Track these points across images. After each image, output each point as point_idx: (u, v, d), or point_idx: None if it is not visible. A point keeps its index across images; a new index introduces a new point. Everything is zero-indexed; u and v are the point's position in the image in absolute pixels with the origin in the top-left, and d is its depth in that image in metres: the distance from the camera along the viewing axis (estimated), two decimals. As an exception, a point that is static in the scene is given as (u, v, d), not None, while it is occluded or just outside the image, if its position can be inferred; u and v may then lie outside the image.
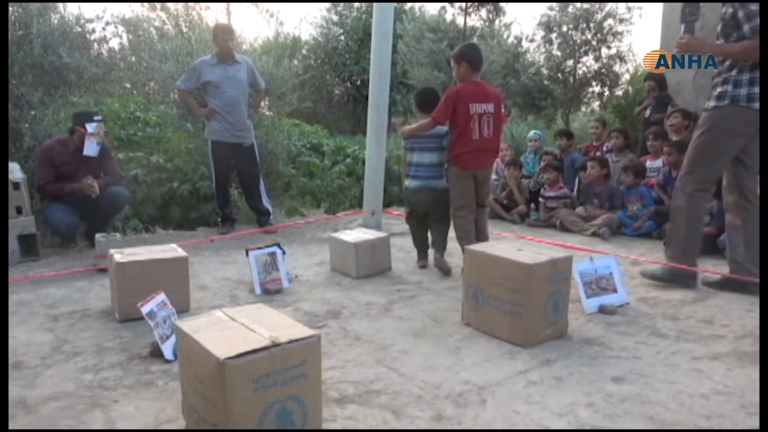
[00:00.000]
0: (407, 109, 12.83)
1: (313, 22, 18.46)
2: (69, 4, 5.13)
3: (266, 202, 5.18)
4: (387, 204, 5.71)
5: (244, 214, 5.44)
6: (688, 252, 3.24)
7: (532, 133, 6.94)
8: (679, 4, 3.16)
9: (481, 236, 3.60)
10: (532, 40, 12.36)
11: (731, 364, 2.22)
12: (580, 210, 5.33)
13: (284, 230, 5.07)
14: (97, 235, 3.56)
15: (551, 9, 11.58)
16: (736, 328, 2.62)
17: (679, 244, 3.25)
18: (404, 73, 12.83)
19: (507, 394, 1.97)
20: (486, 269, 2.52)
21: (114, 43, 5.37)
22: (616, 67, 11.60)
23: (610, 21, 11.25)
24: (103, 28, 5.05)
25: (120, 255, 2.79)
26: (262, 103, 5.97)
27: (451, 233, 3.69)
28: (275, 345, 1.53)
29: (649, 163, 5.38)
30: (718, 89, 3.07)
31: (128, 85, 6.50)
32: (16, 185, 3.87)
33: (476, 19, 13.08)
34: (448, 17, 13.10)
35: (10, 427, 1.74)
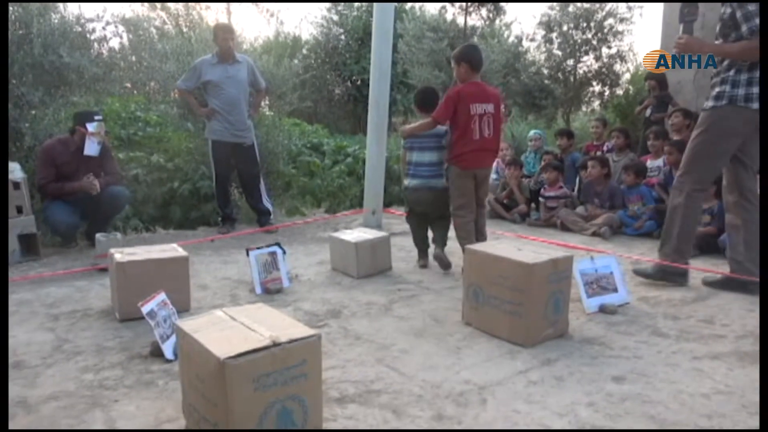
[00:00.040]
0: (408, 109, 12.82)
1: (313, 22, 18.51)
2: (69, 4, 5.14)
3: (266, 202, 5.18)
4: (387, 203, 5.71)
5: (244, 213, 5.44)
6: (681, 251, 3.26)
7: (532, 132, 6.94)
8: (680, 4, 3.17)
9: (480, 236, 3.64)
10: (532, 40, 12.37)
11: (732, 363, 2.22)
12: (580, 209, 5.33)
13: (285, 230, 5.07)
14: (98, 235, 3.56)
15: (552, 8, 11.58)
16: (737, 327, 2.62)
17: (673, 243, 3.27)
18: (405, 72, 12.83)
19: (507, 393, 1.97)
20: (486, 269, 2.52)
21: (114, 43, 5.38)
22: (617, 67, 11.60)
23: (610, 20, 11.24)
24: (104, 28, 5.06)
25: (120, 254, 2.79)
26: (263, 103, 5.97)
27: (451, 232, 3.72)
28: (276, 344, 1.53)
29: (649, 163, 5.38)
30: (716, 89, 3.09)
31: (129, 85, 6.50)
32: (17, 185, 3.87)
33: (477, 18, 13.08)
34: (449, 17, 13.10)
35: (11, 426, 1.74)
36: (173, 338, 2.24)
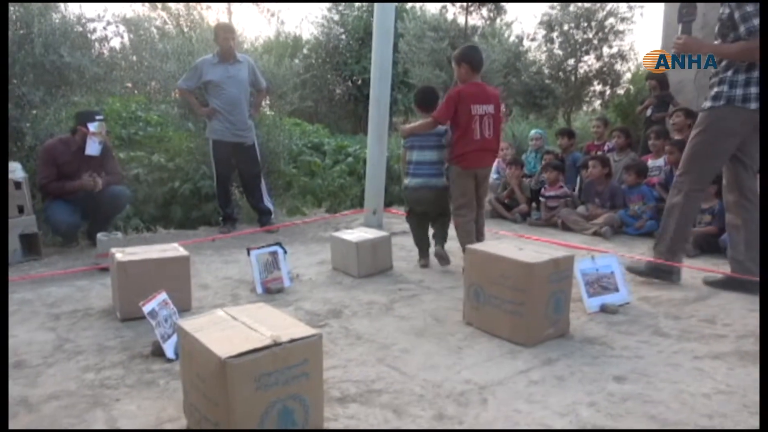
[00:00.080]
0: (408, 108, 12.82)
1: (314, 22, 18.49)
2: (70, 4, 5.15)
3: (267, 202, 5.18)
4: (388, 203, 5.71)
5: (245, 213, 5.44)
6: (674, 250, 3.29)
7: (533, 132, 6.94)
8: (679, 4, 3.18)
9: (479, 236, 3.68)
10: (533, 39, 12.34)
11: (733, 363, 2.22)
12: (581, 209, 5.33)
13: (285, 229, 5.07)
14: (99, 235, 3.57)
15: (552, 8, 11.56)
16: (738, 327, 2.61)
17: (667, 242, 3.29)
18: (405, 72, 12.81)
19: (508, 393, 1.96)
20: (487, 268, 2.52)
21: (115, 43, 5.39)
22: (618, 66, 11.57)
23: (611, 20, 11.22)
24: (104, 28, 5.07)
25: (121, 254, 2.79)
26: (264, 103, 5.97)
27: (451, 232, 3.73)
28: (277, 344, 1.53)
29: (650, 162, 5.38)
30: (714, 89, 3.11)
31: (129, 85, 6.50)
32: (18, 184, 3.88)
33: (477, 18, 13.05)
34: (449, 16, 13.07)
35: (12, 425, 1.74)
36: (174, 338, 2.24)
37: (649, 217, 4.81)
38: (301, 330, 1.64)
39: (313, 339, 1.61)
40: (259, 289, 3.16)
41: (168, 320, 2.31)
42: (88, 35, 4.95)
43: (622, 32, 11.30)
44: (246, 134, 4.89)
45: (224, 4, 17.15)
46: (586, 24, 11.19)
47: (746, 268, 3.11)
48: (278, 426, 1.55)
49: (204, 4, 16.12)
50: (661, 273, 3.33)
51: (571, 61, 11.56)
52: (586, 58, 11.54)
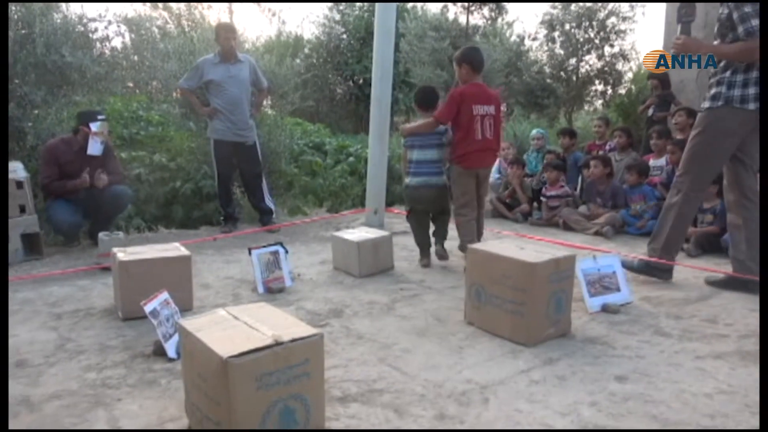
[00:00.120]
0: (409, 108, 12.82)
1: (315, 21, 18.47)
2: (71, 4, 5.16)
3: (269, 201, 5.18)
4: (389, 203, 5.71)
5: (246, 213, 5.44)
6: (669, 249, 3.30)
7: (534, 131, 6.93)
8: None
9: (479, 235, 3.73)
10: (534, 39, 12.33)
11: (735, 363, 2.22)
12: (583, 209, 5.32)
13: (287, 229, 5.08)
14: (101, 234, 3.57)
15: (554, 7, 11.55)
16: (740, 327, 2.61)
17: (662, 241, 3.30)
18: (407, 71, 12.81)
19: (509, 393, 1.96)
20: (488, 268, 2.52)
21: (116, 43, 5.40)
22: (619, 66, 11.56)
23: (612, 19, 11.21)
24: (106, 28, 5.08)
25: (123, 254, 2.79)
26: (265, 102, 5.97)
27: (452, 232, 3.74)
28: (278, 344, 1.53)
29: (652, 162, 5.37)
30: (713, 90, 3.12)
31: (131, 84, 6.50)
32: (20, 184, 3.89)
33: (479, 17, 13.03)
34: (451, 16, 13.06)
35: (14, 425, 1.74)
36: (176, 337, 2.24)
37: (651, 216, 4.80)
38: (303, 329, 1.64)
39: (314, 339, 1.61)
40: (261, 289, 3.17)
41: (169, 320, 2.31)
42: (90, 35, 4.96)
43: (624, 32, 11.29)
44: (247, 134, 4.89)
45: (225, 4, 17.15)
46: (587, 23, 11.18)
47: (747, 268, 3.11)
48: (279, 425, 1.55)
49: (205, 4, 16.13)
50: (654, 270, 3.34)
51: (573, 61, 11.55)
52: (587, 57, 11.54)
